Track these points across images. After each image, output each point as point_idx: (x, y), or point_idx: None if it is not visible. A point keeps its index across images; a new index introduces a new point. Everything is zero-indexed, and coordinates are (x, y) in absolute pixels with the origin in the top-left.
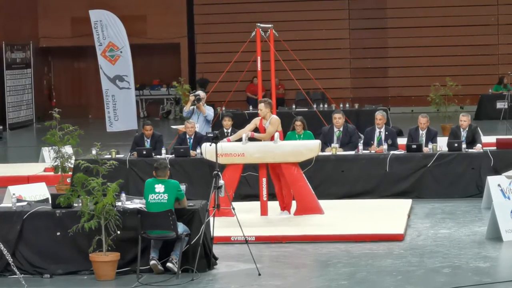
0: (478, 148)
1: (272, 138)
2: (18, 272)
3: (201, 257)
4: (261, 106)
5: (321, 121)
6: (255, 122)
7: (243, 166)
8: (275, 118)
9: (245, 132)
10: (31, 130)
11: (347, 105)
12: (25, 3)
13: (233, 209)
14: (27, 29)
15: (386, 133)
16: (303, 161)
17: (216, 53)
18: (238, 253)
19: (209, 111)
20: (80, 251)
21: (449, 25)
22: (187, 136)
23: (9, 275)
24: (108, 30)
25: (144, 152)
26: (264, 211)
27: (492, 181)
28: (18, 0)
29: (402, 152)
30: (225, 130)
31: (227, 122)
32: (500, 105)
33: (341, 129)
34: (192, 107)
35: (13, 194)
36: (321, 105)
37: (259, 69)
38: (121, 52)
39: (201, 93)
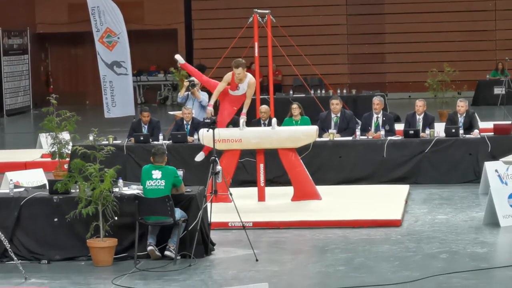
0: (475, 133)
1: None
2: (15, 258)
3: (198, 243)
4: (239, 70)
5: (318, 107)
6: (227, 79)
7: (240, 152)
8: (253, 80)
9: (219, 91)
10: (28, 116)
11: (345, 91)
12: None
13: (231, 195)
14: (24, 15)
15: (384, 118)
16: (300, 147)
17: (213, 39)
18: (235, 239)
19: (204, 97)
20: (77, 237)
21: (446, 11)
22: (184, 122)
23: (7, 261)
24: (106, 16)
25: (142, 138)
26: (261, 197)
27: (490, 166)
28: None
29: (400, 137)
30: None
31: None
32: (498, 90)
33: (339, 115)
34: (187, 93)
35: (11, 180)
36: (319, 91)
37: (256, 55)
38: (118, 38)
39: (195, 79)
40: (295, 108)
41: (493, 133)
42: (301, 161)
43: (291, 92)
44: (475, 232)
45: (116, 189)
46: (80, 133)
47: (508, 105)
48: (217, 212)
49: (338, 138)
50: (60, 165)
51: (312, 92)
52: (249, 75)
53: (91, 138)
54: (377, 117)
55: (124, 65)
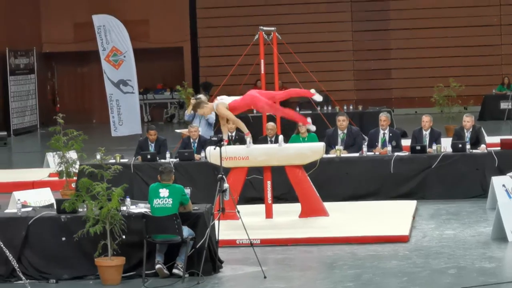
0: (482, 148)
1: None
2: (23, 278)
3: (206, 260)
4: (202, 111)
5: (325, 124)
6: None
7: (247, 169)
8: (220, 106)
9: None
10: (35, 135)
11: (351, 107)
12: (27, 9)
13: (238, 212)
14: (30, 34)
15: (390, 134)
16: (307, 164)
17: (219, 56)
18: (243, 256)
19: (211, 114)
20: (85, 256)
21: (451, 26)
22: (191, 140)
23: (15, 281)
24: (112, 34)
25: (149, 156)
26: (269, 214)
27: (497, 181)
28: (20, 6)
29: (406, 153)
30: (229, 133)
31: (231, 125)
32: (504, 105)
33: (345, 131)
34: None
35: (18, 199)
36: (325, 108)
37: (262, 72)
38: (124, 56)
39: (202, 96)
40: (302, 126)
41: (500, 148)
42: (308, 177)
43: (297, 108)
44: (483, 247)
45: (124, 208)
46: (87, 152)
47: None
48: (224, 230)
49: (345, 154)
50: (68, 184)
51: (318, 108)
52: (212, 104)
53: (98, 157)
54: (384, 133)
55: (131, 84)
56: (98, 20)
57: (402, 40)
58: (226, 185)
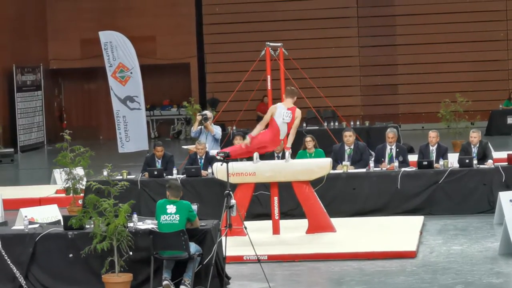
0: (489, 164)
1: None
2: None
3: (213, 276)
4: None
5: (332, 139)
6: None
7: (254, 185)
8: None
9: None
10: (42, 152)
11: (358, 123)
12: (34, 26)
13: (245, 228)
14: (37, 51)
15: (397, 150)
16: (314, 179)
17: (226, 72)
18: (251, 272)
19: (217, 130)
20: (92, 272)
21: (458, 41)
22: (198, 156)
23: None
24: (118, 51)
25: (155, 173)
26: (276, 230)
27: (504, 196)
28: (27, 22)
29: (413, 169)
30: None
31: (238, 141)
32: (511, 120)
33: (352, 146)
34: (200, 127)
35: (25, 216)
36: (332, 123)
37: (269, 87)
38: (131, 73)
39: (208, 112)
40: (309, 141)
41: (507, 163)
42: (315, 193)
43: (304, 124)
44: (491, 262)
45: (131, 224)
46: (94, 168)
47: None
48: (232, 246)
49: (352, 170)
50: (75, 201)
51: (325, 124)
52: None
53: (105, 173)
54: (391, 149)
55: (137, 100)
56: (105, 36)
57: (408, 56)
58: (233, 201)
